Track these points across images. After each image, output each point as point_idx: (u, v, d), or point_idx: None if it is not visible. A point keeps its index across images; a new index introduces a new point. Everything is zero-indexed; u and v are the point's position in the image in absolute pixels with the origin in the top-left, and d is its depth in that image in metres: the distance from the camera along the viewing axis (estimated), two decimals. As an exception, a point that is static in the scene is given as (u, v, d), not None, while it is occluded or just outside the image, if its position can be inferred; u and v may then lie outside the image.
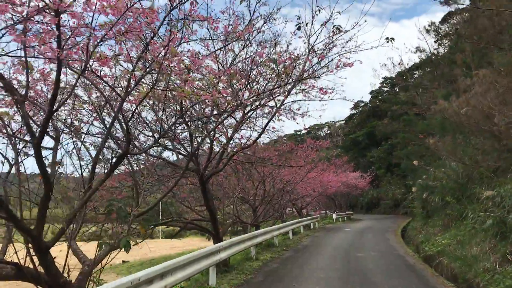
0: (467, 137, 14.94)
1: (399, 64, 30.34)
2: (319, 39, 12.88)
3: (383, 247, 18.71)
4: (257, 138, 10.54)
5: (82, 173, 6.35)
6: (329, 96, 9.31)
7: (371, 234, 25.57)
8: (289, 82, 8.02)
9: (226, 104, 6.75)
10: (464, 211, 17.28)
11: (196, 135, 7.28)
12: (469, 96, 12.47)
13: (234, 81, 7.44)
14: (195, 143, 7.69)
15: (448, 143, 14.60)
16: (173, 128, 6.86)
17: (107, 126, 6.44)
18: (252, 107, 11.04)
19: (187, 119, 7.38)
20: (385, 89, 75.09)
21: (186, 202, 12.95)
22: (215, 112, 8.98)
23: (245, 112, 10.71)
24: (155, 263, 28.32)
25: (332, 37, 8.31)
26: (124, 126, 5.46)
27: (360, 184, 44.32)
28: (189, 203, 13.17)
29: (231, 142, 10.95)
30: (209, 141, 10.39)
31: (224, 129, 11.32)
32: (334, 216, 38.28)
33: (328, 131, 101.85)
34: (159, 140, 9.55)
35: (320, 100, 10.44)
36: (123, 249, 5.20)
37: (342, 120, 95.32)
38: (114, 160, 7.60)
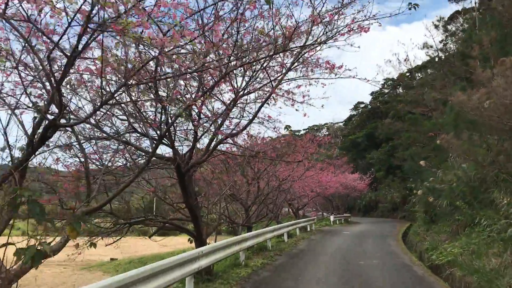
0: (483, 135, 13.39)
1: (405, 60, 28.77)
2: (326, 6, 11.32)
3: (385, 254, 17.18)
4: (249, 123, 8.99)
5: (11, 155, 4.77)
6: (336, 74, 7.74)
7: (371, 238, 24.08)
8: (288, 48, 6.45)
9: (201, 57, 5.17)
10: (476, 217, 15.79)
11: (168, 106, 5.60)
12: (492, 87, 10.92)
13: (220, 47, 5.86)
14: (166, 118, 6.03)
15: (464, 141, 13.03)
16: (123, 89, 5.22)
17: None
18: (245, 91, 9.50)
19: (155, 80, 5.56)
20: (386, 90, 73.96)
21: (167, 199, 11.35)
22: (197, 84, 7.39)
23: (238, 92, 9.15)
24: (144, 262, 26.79)
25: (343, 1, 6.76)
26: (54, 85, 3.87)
27: (359, 186, 42.90)
28: (171, 199, 11.58)
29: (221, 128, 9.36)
30: (192, 128, 8.83)
31: (213, 117, 9.78)
32: (332, 218, 36.88)
33: (327, 133, 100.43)
34: (132, 122, 7.98)
35: (323, 83, 8.91)
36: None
37: (341, 122, 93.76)
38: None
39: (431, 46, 28.65)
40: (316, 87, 9.61)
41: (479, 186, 16.29)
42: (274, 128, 10.11)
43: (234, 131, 8.94)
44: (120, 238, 11.03)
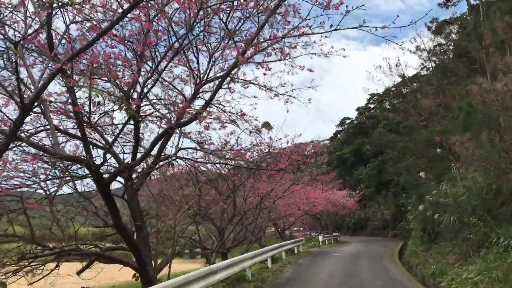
0: (504, 135, 11.05)
1: (396, 65, 26.71)
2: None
3: (386, 281, 14.61)
4: (206, 105, 6.37)
5: None
6: (331, 26, 5.24)
7: (365, 260, 21.53)
8: None
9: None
10: (491, 235, 13.41)
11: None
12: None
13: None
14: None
15: (480, 144, 10.68)
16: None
17: None
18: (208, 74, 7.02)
19: None
20: (372, 106, 72.71)
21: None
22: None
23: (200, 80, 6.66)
24: (114, 293, 23.61)
25: None
26: None
27: (348, 204, 40.51)
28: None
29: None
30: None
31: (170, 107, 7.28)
32: (321, 238, 34.32)
33: (312, 150, 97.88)
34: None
35: (311, 68, 6.46)
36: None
37: (326, 140, 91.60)
38: None
39: (424, 49, 26.73)
40: (302, 72, 7.20)
41: (493, 199, 13.93)
42: (244, 120, 7.52)
43: (183, 120, 6.31)
44: (51, 272, 8.27)
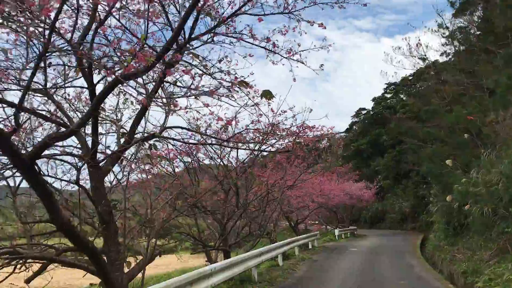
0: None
1: (417, 45, 24.64)
2: None
3: (412, 280, 12.94)
4: (166, 49, 4.70)
5: None
6: None
7: (386, 256, 19.87)
8: None
9: None
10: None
11: None
12: None
13: None
14: None
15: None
16: None
17: None
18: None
19: None
20: (388, 95, 70.52)
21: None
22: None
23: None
24: None
25: None
26: None
27: (365, 196, 38.76)
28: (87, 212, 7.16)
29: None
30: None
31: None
32: (337, 232, 32.77)
33: (328, 143, 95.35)
34: None
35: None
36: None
37: (342, 132, 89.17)
38: None
39: (447, 27, 24.59)
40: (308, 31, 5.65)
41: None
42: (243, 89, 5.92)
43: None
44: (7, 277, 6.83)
